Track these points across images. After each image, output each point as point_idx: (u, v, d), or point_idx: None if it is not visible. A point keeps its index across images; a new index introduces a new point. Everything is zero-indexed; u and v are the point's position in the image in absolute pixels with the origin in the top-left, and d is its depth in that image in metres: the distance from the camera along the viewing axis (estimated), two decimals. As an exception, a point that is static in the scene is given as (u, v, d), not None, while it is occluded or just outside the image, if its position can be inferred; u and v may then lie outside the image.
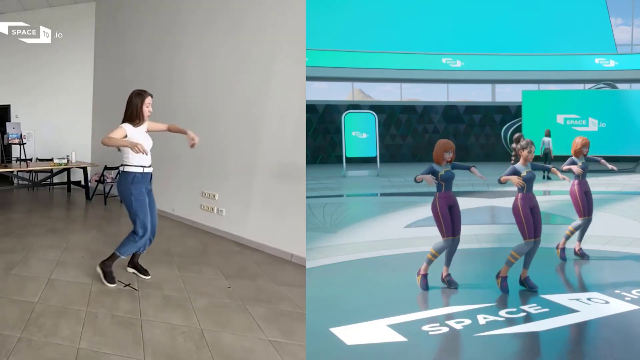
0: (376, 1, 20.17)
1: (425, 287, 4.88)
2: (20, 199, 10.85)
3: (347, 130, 15.75)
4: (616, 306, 4.36)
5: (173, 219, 8.41)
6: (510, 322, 4.09)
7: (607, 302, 4.45)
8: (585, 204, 5.84)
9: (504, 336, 3.86)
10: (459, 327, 3.98)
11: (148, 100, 4.66)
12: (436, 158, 4.82)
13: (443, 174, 4.76)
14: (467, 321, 4.07)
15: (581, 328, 4.01)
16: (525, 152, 4.76)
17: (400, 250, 6.31)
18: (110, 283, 4.78)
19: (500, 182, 4.78)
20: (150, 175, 4.78)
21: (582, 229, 5.92)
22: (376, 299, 4.67)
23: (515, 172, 4.74)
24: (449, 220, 4.79)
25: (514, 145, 4.84)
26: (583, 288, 5.06)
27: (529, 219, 4.70)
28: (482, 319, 4.12)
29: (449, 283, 4.94)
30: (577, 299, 4.53)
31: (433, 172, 4.76)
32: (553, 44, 19.77)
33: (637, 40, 21.23)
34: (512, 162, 4.84)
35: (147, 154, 4.58)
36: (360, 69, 19.17)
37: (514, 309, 4.32)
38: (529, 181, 4.74)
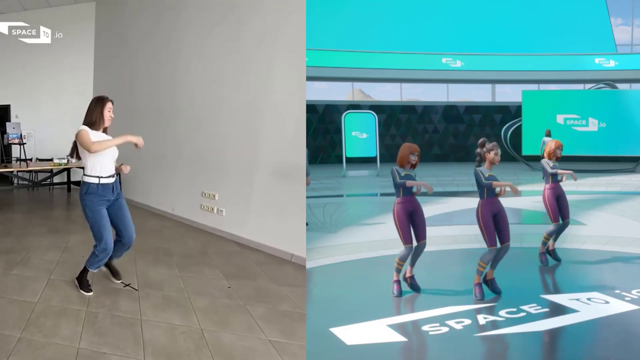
0: (376, 1, 20.18)
1: (399, 293, 4.74)
2: (20, 199, 10.85)
3: (347, 130, 15.75)
4: (616, 306, 4.36)
5: (173, 219, 8.41)
6: (510, 322, 4.09)
7: (607, 302, 4.45)
8: (556, 209, 5.69)
9: (504, 336, 3.86)
10: (459, 327, 3.98)
11: (109, 105, 4.54)
12: (401, 160, 4.71)
13: (403, 176, 4.65)
14: (467, 321, 4.07)
15: (581, 328, 4.01)
16: (491, 155, 4.61)
17: (400, 250, 6.30)
18: (85, 292, 4.61)
19: (493, 188, 4.66)
20: (111, 185, 4.51)
21: (559, 230, 5.79)
22: (376, 299, 4.67)
23: (481, 176, 4.59)
24: (407, 227, 4.68)
25: (478, 150, 4.67)
26: (583, 288, 5.05)
27: (490, 226, 4.56)
28: (482, 319, 4.12)
29: (412, 286, 4.84)
30: (577, 299, 4.53)
31: (396, 177, 4.66)
32: (553, 44, 19.77)
33: (637, 40, 21.24)
34: (477, 165, 4.68)
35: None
36: (360, 69, 19.17)
37: (514, 309, 4.31)
38: (490, 187, 4.57)
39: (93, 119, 4.49)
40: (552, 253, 5.84)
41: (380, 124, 18.35)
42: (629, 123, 17.10)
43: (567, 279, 5.46)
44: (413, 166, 4.74)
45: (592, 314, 4.21)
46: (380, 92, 23.13)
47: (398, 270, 4.80)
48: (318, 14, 17.60)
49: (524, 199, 9.61)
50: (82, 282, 4.67)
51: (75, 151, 4.57)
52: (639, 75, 19.37)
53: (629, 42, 21.26)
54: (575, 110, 17.43)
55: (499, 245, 4.62)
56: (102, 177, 4.45)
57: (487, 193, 4.61)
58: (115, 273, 4.96)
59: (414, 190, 4.70)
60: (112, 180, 4.54)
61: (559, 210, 5.72)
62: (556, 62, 19.60)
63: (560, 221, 5.74)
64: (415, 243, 4.78)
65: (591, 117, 17.31)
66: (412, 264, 4.86)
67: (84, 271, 4.70)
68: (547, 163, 5.71)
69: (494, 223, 4.61)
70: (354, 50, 19.15)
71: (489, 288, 4.72)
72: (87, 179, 4.48)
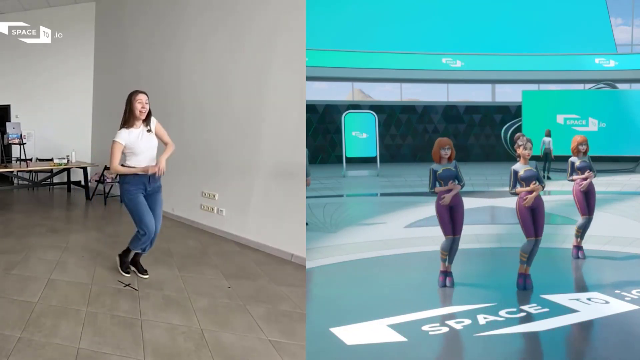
0: (376, 1, 20.18)
1: (443, 284, 4.89)
2: (20, 199, 10.85)
3: (347, 130, 15.76)
4: (616, 306, 4.36)
5: (173, 219, 8.41)
6: (510, 322, 4.09)
7: (607, 302, 4.45)
8: (584, 203, 5.82)
9: (504, 336, 3.86)
10: (459, 327, 3.98)
11: (138, 97, 4.61)
12: (434, 156, 4.84)
13: (441, 172, 4.75)
14: (467, 321, 4.07)
15: (581, 328, 4.01)
16: (520, 150, 4.75)
17: (400, 250, 6.31)
18: (123, 272, 5.03)
19: (516, 194, 4.77)
20: (147, 177, 4.75)
21: (584, 227, 5.92)
22: (376, 299, 4.67)
23: (515, 174, 4.73)
24: (446, 219, 4.80)
25: (515, 146, 4.85)
26: (583, 288, 5.06)
27: (526, 218, 4.70)
28: (482, 319, 4.12)
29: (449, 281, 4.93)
30: (577, 299, 4.53)
31: (434, 173, 4.76)
32: (553, 44, 19.79)
33: (637, 40, 21.25)
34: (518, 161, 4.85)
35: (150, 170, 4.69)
36: (360, 69, 19.18)
37: (514, 309, 4.31)
38: (527, 180, 4.71)
39: (126, 116, 4.66)
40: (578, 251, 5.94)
41: (380, 124, 18.36)
42: (629, 123, 17.11)
43: (567, 279, 5.46)
44: (449, 159, 4.81)
45: (592, 314, 4.21)
46: (380, 92, 23.18)
47: (443, 260, 4.93)
48: (318, 14, 17.60)
49: (524, 199, 9.58)
50: (124, 262, 5.05)
51: None
52: (639, 75, 19.37)
53: (629, 42, 21.27)
54: (575, 110, 17.44)
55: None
56: (137, 167, 4.71)
57: (526, 186, 4.70)
58: (141, 270, 5.19)
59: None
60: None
61: (586, 205, 5.86)
62: (556, 62, 19.61)
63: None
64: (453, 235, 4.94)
65: (591, 117, 17.33)
66: (449, 262, 4.99)
67: (127, 250, 5.07)
68: (573, 161, 5.83)
69: (532, 217, 4.74)
70: (354, 50, 19.16)
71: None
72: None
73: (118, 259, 5.16)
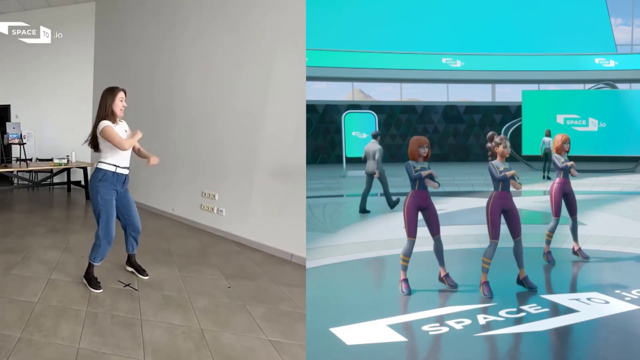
0: (376, 1, 20.18)
1: (408, 291, 4.76)
2: (20, 199, 10.86)
3: (347, 130, 15.77)
4: (616, 306, 4.36)
5: (173, 219, 8.41)
6: (510, 322, 4.09)
7: (607, 302, 4.45)
8: (559, 204, 5.79)
9: (504, 336, 3.86)
10: (459, 327, 3.98)
11: (121, 95, 4.49)
12: (412, 155, 4.77)
13: (419, 169, 4.72)
14: (467, 321, 4.07)
15: (581, 328, 4.01)
16: (500, 149, 4.68)
17: (400, 250, 6.29)
18: (95, 289, 4.65)
19: (507, 178, 4.69)
20: (124, 177, 4.63)
21: (572, 228, 5.89)
22: (376, 299, 4.67)
23: (495, 169, 4.69)
24: (413, 221, 4.72)
25: (488, 144, 4.75)
26: (583, 288, 5.06)
27: (497, 219, 4.62)
28: (482, 319, 4.12)
29: (448, 284, 4.91)
30: (577, 299, 4.53)
31: (411, 171, 4.72)
32: (553, 44, 19.78)
33: (637, 40, 21.24)
34: (490, 159, 4.76)
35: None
36: (360, 69, 19.18)
37: (514, 309, 4.32)
38: (505, 179, 4.65)
39: (107, 111, 4.47)
40: (579, 252, 5.90)
41: (380, 124, 18.35)
42: (629, 123, 17.11)
43: (567, 279, 5.46)
44: (425, 158, 4.78)
45: (592, 314, 4.21)
46: (380, 92, 23.15)
47: (404, 268, 4.82)
48: (318, 14, 17.60)
49: (524, 198, 9.60)
50: (91, 280, 4.72)
51: (94, 141, 4.55)
52: (639, 75, 19.37)
53: (629, 42, 21.27)
54: (575, 110, 17.44)
55: (509, 241, 4.73)
56: (118, 166, 4.57)
57: (502, 186, 4.66)
58: (140, 271, 5.15)
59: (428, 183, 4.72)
60: (126, 172, 4.65)
61: (568, 206, 5.83)
62: (556, 62, 19.60)
63: (569, 218, 5.86)
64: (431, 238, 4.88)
65: (591, 117, 17.32)
66: (441, 263, 4.93)
67: (89, 267, 4.76)
68: (557, 158, 5.80)
69: (506, 219, 4.69)
70: (354, 50, 19.16)
71: (525, 286, 4.81)
72: (103, 166, 4.55)
73: (85, 280, 4.76)
